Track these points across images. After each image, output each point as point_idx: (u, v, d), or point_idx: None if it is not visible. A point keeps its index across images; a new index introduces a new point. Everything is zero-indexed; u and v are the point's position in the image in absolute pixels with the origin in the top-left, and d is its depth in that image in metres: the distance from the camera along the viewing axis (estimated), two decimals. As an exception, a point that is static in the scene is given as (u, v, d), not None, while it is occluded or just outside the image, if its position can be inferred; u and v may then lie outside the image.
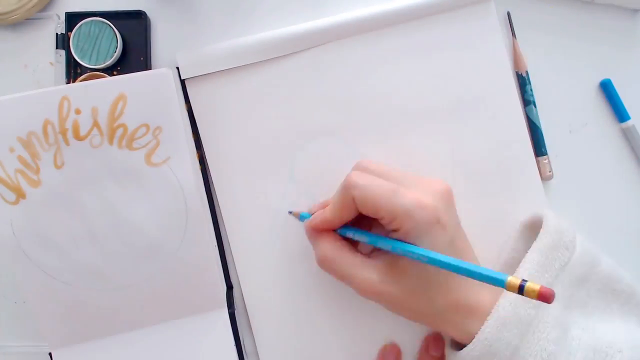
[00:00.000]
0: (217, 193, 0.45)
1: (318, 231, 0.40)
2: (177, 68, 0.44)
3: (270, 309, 0.45)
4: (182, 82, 0.45)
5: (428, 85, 0.45)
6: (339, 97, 0.45)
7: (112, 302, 0.42)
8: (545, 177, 0.46)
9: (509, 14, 0.46)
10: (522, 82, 0.46)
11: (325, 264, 0.39)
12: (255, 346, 0.45)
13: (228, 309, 0.44)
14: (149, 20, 0.46)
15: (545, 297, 0.27)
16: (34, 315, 0.41)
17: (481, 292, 0.36)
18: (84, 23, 0.44)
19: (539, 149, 0.46)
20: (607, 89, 0.46)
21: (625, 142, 0.47)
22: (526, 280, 0.28)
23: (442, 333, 0.39)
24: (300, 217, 0.43)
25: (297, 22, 0.44)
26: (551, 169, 0.46)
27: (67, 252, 0.41)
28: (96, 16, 0.44)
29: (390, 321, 0.44)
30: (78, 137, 0.40)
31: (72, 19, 0.44)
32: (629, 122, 0.46)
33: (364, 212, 0.37)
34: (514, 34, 0.46)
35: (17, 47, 0.45)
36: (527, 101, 0.46)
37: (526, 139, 0.45)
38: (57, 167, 0.40)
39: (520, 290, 0.28)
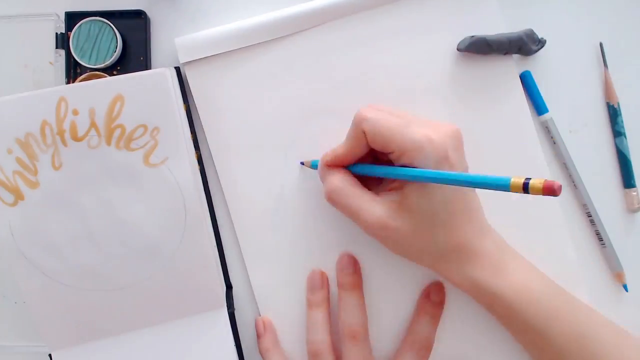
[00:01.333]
0: (219, 177, 0.45)
1: (330, 167, 0.40)
2: (176, 68, 0.44)
3: (279, 297, 0.45)
4: (181, 81, 0.45)
5: (429, 65, 0.44)
6: (340, 77, 0.44)
7: (111, 302, 0.42)
8: (632, 209, 0.45)
9: (601, 44, 0.45)
10: (613, 113, 0.45)
11: (334, 195, 0.39)
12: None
13: (228, 309, 0.44)
14: (149, 19, 0.46)
15: (551, 190, 0.26)
16: (33, 317, 0.41)
17: (484, 240, 0.38)
18: (84, 23, 0.44)
19: (628, 180, 0.45)
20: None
21: None
22: (530, 178, 0.27)
23: (441, 275, 0.39)
24: (312, 164, 0.43)
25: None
26: (639, 201, 0.45)
27: (65, 253, 0.41)
28: (96, 16, 0.44)
29: (401, 306, 0.45)
30: (76, 138, 0.40)
31: (72, 18, 0.44)
32: None
33: (374, 146, 0.37)
34: (605, 65, 0.45)
35: (17, 47, 0.45)
36: (618, 132, 0.45)
37: (532, 130, 0.45)
38: (55, 168, 0.40)
39: (525, 188, 0.27)
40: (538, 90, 0.45)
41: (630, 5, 0.46)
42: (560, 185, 0.26)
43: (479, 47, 0.43)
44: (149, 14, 0.46)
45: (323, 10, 0.44)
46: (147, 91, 0.40)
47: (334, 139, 0.43)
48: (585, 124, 0.46)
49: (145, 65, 0.45)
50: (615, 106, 0.45)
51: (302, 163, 0.44)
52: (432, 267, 0.39)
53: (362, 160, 0.40)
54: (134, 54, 0.45)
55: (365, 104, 0.43)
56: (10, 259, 0.41)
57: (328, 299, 0.44)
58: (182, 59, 0.44)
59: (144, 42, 0.45)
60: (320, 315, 0.42)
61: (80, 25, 0.43)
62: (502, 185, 0.28)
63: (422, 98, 0.44)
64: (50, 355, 0.43)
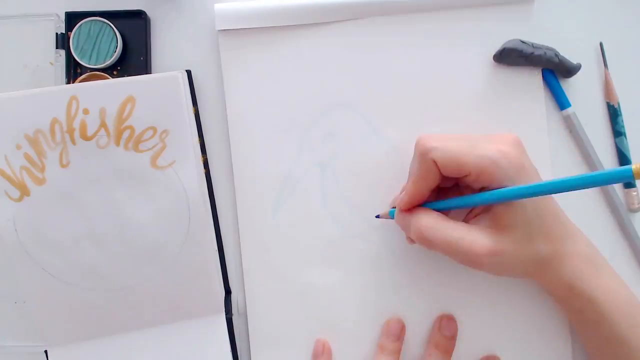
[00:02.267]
0: (232, 152, 0.44)
1: (408, 211, 0.38)
2: (188, 71, 0.45)
3: (269, 299, 0.45)
4: (191, 84, 0.45)
5: (454, 75, 0.44)
6: (366, 73, 0.44)
7: (111, 302, 0.42)
8: (632, 210, 0.45)
9: (601, 44, 0.45)
10: (614, 113, 0.45)
11: (427, 233, 0.37)
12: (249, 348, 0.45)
13: (226, 314, 0.44)
14: (149, 19, 0.46)
15: None
16: (33, 313, 0.42)
17: (578, 242, 0.38)
18: (84, 23, 0.44)
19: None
20: None
21: None
22: None
23: (540, 283, 0.39)
24: (390, 214, 0.42)
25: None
26: (639, 201, 0.45)
27: (68, 251, 0.41)
28: (96, 16, 0.44)
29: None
30: (85, 137, 0.40)
31: (72, 18, 0.44)
32: None
33: (447, 173, 0.36)
34: (605, 65, 0.45)
35: (17, 47, 0.45)
36: (618, 132, 0.45)
37: (546, 140, 0.45)
38: (63, 166, 0.40)
39: None
40: (560, 85, 0.45)
41: (631, 5, 0.46)
42: None
43: (514, 60, 0.43)
44: (149, 14, 0.45)
45: (365, 4, 0.43)
46: (158, 94, 0.40)
47: (349, 133, 0.44)
48: (586, 123, 0.46)
49: (146, 65, 0.45)
50: (615, 106, 0.45)
51: (378, 216, 0.43)
52: (531, 276, 0.39)
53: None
54: (134, 54, 0.45)
55: (386, 105, 0.44)
56: (12, 254, 0.41)
57: (400, 351, 0.43)
58: (219, 27, 0.43)
59: (144, 42, 0.45)
60: None
61: (80, 26, 0.44)
62: (625, 175, 0.27)
63: (446, 105, 0.45)
64: (46, 352, 0.43)
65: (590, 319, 0.38)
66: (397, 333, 0.43)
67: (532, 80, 0.44)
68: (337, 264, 0.44)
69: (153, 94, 0.40)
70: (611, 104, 0.45)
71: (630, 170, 0.26)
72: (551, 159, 0.45)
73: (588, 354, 0.42)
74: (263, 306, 0.45)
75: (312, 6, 0.43)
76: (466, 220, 0.39)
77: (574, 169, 0.46)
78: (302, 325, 0.44)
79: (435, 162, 0.36)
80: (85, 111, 0.39)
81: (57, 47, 0.44)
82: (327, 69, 0.44)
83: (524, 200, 0.35)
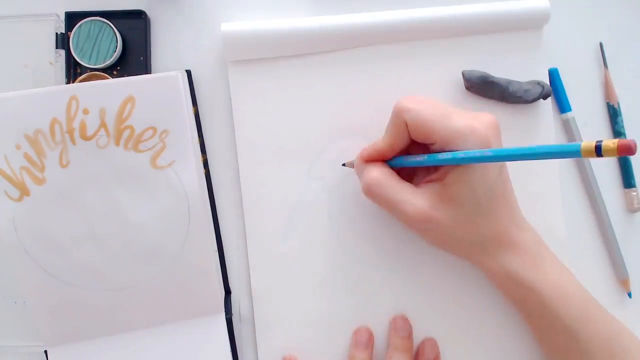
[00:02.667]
0: (241, 179, 0.44)
1: (368, 162, 0.39)
2: (187, 71, 0.45)
3: (277, 304, 0.45)
4: (191, 83, 0.45)
5: (464, 103, 0.45)
6: (375, 100, 0.44)
7: (111, 302, 0.42)
8: (631, 210, 0.45)
9: (601, 44, 0.46)
10: (613, 113, 0.46)
11: (373, 187, 0.37)
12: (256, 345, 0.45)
13: (225, 315, 0.44)
14: (149, 19, 0.46)
15: (627, 148, 0.25)
16: (32, 312, 0.41)
17: (523, 232, 0.38)
18: (84, 23, 0.44)
19: (628, 180, 0.45)
20: None
21: None
22: (601, 140, 0.26)
23: (478, 266, 0.39)
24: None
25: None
26: (639, 201, 0.45)
27: (67, 251, 0.41)
28: (96, 16, 0.44)
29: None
30: (85, 137, 0.40)
31: (72, 18, 0.44)
32: None
33: (416, 137, 0.37)
34: (605, 65, 0.46)
35: (17, 47, 0.45)
36: (618, 132, 0.46)
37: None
38: (63, 166, 0.40)
39: (598, 151, 0.26)
40: (564, 87, 0.45)
41: (630, 5, 0.46)
42: (636, 144, 0.25)
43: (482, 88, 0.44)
44: (149, 14, 0.45)
45: (371, 32, 0.44)
46: (158, 94, 0.40)
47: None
48: (586, 123, 0.46)
49: (145, 65, 0.45)
50: (615, 106, 0.46)
51: (344, 164, 0.44)
52: (470, 258, 0.39)
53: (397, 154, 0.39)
54: (134, 54, 0.45)
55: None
56: (12, 253, 0.41)
57: (370, 359, 0.43)
58: (229, 58, 0.44)
59: (144, 42, 0.45)
60: None
61: (80, 25, 0.43)
62: (573, 152, 0.28)
63: None
64: (46, 352, 0.43)
65: (534, 310, 0.38)
66: (365, 342, 0.43)
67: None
68: (344, 288, 0.45)
69: (153, 93, 0.40)
70: (611, 104, 0.46)
71: (579, 146, 0.27)
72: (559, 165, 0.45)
73: (541, 346, 0.42)
74: (273, 334, 0.45)
75: (321, 34, 0.43)
76: (418, 183, 0.39)
77: (568, 170, 0.46)
78: (309, 350, 0.45)
79: (406, 124, 0.36)
80: (85, 111, 0.39)
81: (57, 47, 0.44)
82: (335, 96, 0.45)
83: (477, 179, 0.35)
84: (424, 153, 0.37)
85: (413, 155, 0.38)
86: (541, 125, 0.45)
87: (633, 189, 0.45)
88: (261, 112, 0.44)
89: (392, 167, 0.39)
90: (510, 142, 0.39)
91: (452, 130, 0.35)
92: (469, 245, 0.38)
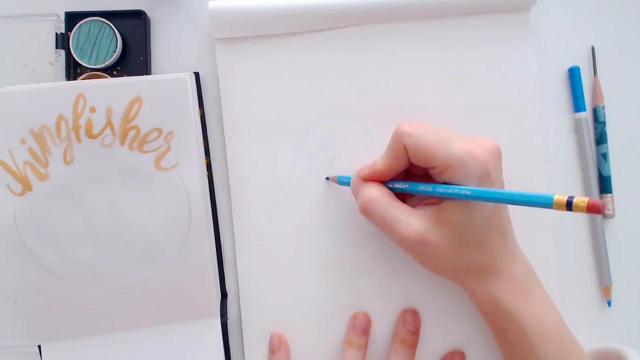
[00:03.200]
0: (227, 157, 0.45)
1: (365, 181, 0.39)
2: (196, 73, 0.45)
3: (263, 292, 0.45)
4: (199, 85, 0.45)
5: (451, 84, 0.45)
6: (363, 80, 0.44)
7: (108, 301, 0.42)
8: (606, 216, 0.46)
9: (593, 49, 0.46)
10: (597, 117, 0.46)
11: (369, 206, 0.38)
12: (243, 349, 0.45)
13: (221, 318, 0.44)
14: (149, 20, 0.46)
15: (595, 208, 0.26)
16: (26, 307, 0.41)
17: (515, 262, 0.38)
18: (84, 23, 0.44)
19: (605, 186, 0.46)
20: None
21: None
22: (573, 196, 0.27)
23: (466, 290, 0.40)
24: (338, 180, 0.43)
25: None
26: (614, 207, 0.45)
27: (67, 248, 0.41)
28: (96, 16, 0.44)
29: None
30: (90, 135, 0.40)
31: (72, 18, 0.44)
32: None
33: (415, 162, 0.37)
34: (595, 72, 0.46)
35: (17, 47, 0.45)
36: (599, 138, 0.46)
37: (541, 144, 0.46)
38: (67, 163, 0.40)
39: (569, 206, 0.27)
40: (582, 87, 0.46)
41: (624, 8, 0.47)
42: (605, 205, 0.26)
43: None
44: (149, 14, 0.45)
45: (359, 11, 0.43)
46: (165, 95, 0.40)
47: (344, 139, 0.44)
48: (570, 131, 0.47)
49: (145, 65, 0.45)
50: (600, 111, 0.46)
51: (328, 178, 0.44)
52: (460, 283, 0.39)
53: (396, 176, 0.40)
54: (134, 54, 0.45)
55: (382, 113, 0.45)
56: (11, 248, 0.41)
57: (367, 345, 0.44)
58: (215, 35, 0.43)
59: (144, 42, 0.45)
60: (357, 357, 0.43)
61: (80, 26, 0.43)
62: (545, 203, 0.29)
63: (440, 112, 0.45)
64: (39, 347, 0.43)
65: (514, 340, 0.38)
66: (363, 327, 0.44)
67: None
68: (331, 270, 0.45)
69: (160, 95, 0.40)
70: (600, 106, 0.46)
71: (551, 198, 0.28)
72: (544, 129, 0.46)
73: None
74: (257, 311, 0.45)
75: (309, 13, 0.43)
76: (415, 205, 0.39)
77: (568, 172, 0.46)
78: (295, 330, 0.45)
79: (405, 147, 0.36)
80: (92, 109, 0.39)
81: (56, 47, 0.44)
82: (323, 76, 0.44)
83: (474, 207, 0.35)
84: (423, 174, 0.38)
85: (398, 181, 0.38)
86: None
87: (609, 194, 0.45)
88: (248, 90, 0.44)
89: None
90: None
91: (452, 156, 0.35)
92: (460, 270, 0.38)
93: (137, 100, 0.40)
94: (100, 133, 0.40)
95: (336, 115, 0.45)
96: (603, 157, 0.46)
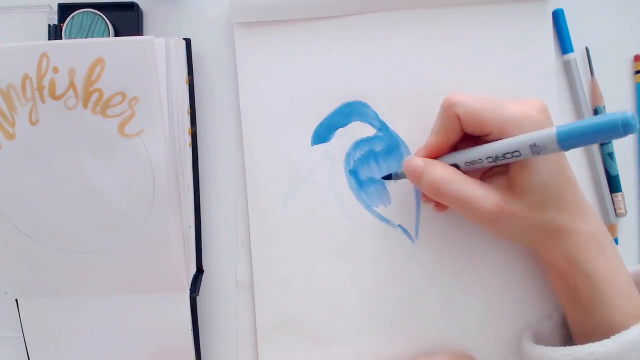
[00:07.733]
0: (244, 142, 0.44)
1: (427, 163, 0.38)
2: (187, 39, 0.44)
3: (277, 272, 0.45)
4: (189, 52, 0.43)
5: (468, 72, 0.44)
6: (380, 67, 0.44)
7: (76, 265, 0.42)
8: (617, 214, 0.45)
9: (587, 49, 0.45)
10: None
11: (441, 186, 0.37)
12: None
13: (191, 293, 0.43)
14: (141, 11, 0.45)
15: None
16: (2, 263, 0.42)
17: (589, 216, 0.37)
18: (76, 14, 0.43)
19: (615, 185, 0.45)
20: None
21: None
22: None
23: (540, 252, 0.39)
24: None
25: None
26: (625, 206, 0.45)
27: (34, 209, 0.41)
28: (88, 7, 0.44)
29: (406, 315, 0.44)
30: (54, 96, 0.39)
31: (65, 10, 0.44)
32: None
33: (469, 130, 0.37)
34: (592, 72, 0.45)
35: (10, 38, 0.45)
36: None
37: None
38: (32, 123, 0.39)
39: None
40: (567, 29, 0.45)
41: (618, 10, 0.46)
42: None
43: None
44: (141, 5, 0.45)
45: None
46: (130, 58, 0.38)
47: (359, 128, 0.44)
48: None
49: None
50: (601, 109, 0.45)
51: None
52: (535, 245, 0.38)
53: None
54: None
55: (399, 100, 0.44)
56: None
57: None
58: (235, 19, 0.44)
59: (136, 34, 0.44)
60: None
61: (72, 17, 0.43)
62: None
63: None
64: (17, 300, 0.44)
65: (584, 297, 0.36)
66: None
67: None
68: (346, 256, 0.44)
69: (124, 57, 0.38)
70: (601, 107, 0.45)
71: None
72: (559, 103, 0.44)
73: (574, 333, 0.40)
74: (270, 295, 0.44)
75: None
76: (482, 179, 0.38)
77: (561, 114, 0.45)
78: (309, 317, 0.44)
79: (458, 116, 0.36)
80: (55, 69, 0.38)
81: (49, 39, 0.44)
82: (341, 62, 0.44)
83: (542, 165, 0.35)
84: (474, 146, 0.37)
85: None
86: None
87: (619, 193, 0.45)
88: (266, 75, 0.44)
89: None
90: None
91: (507, 119, 0.34)
92: (539, 233, 0.36)
93: (100, 61, 0.38)
94: (64, 95, 0.39)
95: (353, 101, 0.44)
96: (609, 156, 0.44)
